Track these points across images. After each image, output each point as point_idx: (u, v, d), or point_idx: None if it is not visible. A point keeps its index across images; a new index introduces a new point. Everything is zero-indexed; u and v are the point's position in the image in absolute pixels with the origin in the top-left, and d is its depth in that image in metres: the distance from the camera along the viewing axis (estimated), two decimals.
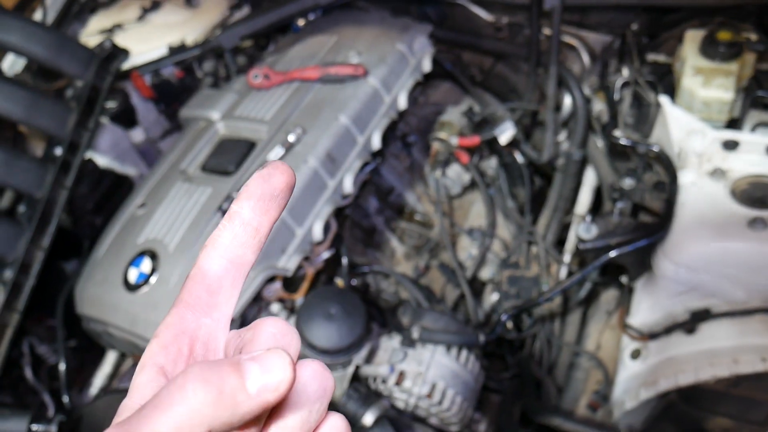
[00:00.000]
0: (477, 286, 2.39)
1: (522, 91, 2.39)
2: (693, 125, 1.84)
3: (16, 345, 1.82)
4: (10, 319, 1.64)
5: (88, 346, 1.94)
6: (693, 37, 1.89)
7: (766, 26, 1.96)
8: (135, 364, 0.46)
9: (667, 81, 2.01)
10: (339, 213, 1.98)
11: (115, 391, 1.76)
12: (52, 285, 1.89)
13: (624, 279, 2.10)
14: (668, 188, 1.88)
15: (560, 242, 2.32)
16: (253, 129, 1.88)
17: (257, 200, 0.46)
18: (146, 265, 1.64)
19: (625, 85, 2.08)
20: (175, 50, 2.19)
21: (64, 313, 1.83)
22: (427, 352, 1.81)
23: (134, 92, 2.16)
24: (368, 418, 1.61)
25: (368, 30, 2.10)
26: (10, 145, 1.95)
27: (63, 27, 2.24)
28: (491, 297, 2.32)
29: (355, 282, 2.07)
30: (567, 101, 2.22)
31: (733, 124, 1.90)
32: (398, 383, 1.77)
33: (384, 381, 1.78)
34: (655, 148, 1.94)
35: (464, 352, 1.86)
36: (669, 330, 1.87)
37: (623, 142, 1.99)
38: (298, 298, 1.81)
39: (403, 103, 2.03)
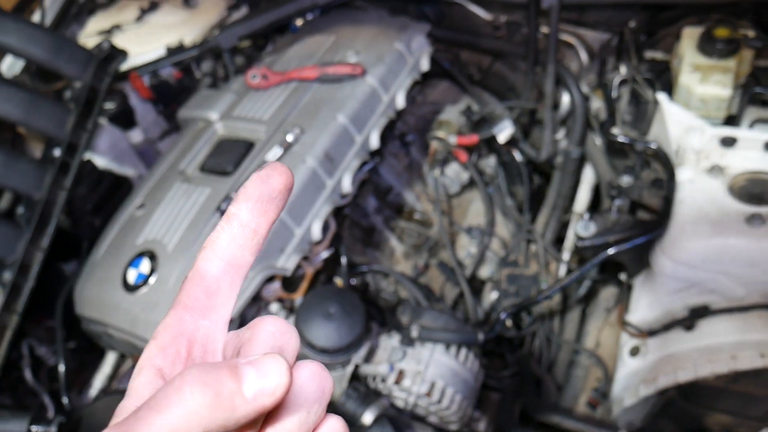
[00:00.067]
0: (476, 285, 2.39)
1: (520, 89, 2.39)
2: (691, 122, 1.84)
3: (15, 346, 1.82)
4: (9, 320, 1.64)
5: (87, 347, 1.94)
6: (690, 34, 1.89)
7: (763, 23, 1.96)
8: (135, 365, 0.46)
9: (664, 78, 2.01)
10: (338, 212, 1.98)
11: (115, 392, 1.76)
12: (52, 286, 1.89)
13: (623, 276, 2.10)
14: (666, 185, 1.88)
15: (559, 240, 2.32)
16: (251, 129, 1.88)
17: (255, 202, 0.45)
18: (145, 265, 1.64)
19: (623, 82, 2.08)
20: (174, 51, 2.19)
21: (64, 314, 1.83)
22: (427, 351, 1.81)
23: (133, 93, 2.16)
24: (367, 417, 1.61)
25: (366, 29, 2.10)
26: (9, 147, 1.95)
27: (61, 28, 2.24)
28: (490, 295, 2.32)
29: (354, 281, 2.07)
30: (565, 99, 2.22)
31: (731, 120, 1.90)
32: (397, 382, 1.77)
33: (383, 380, 1.78)
34: (653, 146, 1.94)
35: (463, 351, 1.86)
36: (668, 327, 1.87)
37: (621, 139, 2.00)
38: (297, 297, 1.81)
39: (401, 102, 2.02)
